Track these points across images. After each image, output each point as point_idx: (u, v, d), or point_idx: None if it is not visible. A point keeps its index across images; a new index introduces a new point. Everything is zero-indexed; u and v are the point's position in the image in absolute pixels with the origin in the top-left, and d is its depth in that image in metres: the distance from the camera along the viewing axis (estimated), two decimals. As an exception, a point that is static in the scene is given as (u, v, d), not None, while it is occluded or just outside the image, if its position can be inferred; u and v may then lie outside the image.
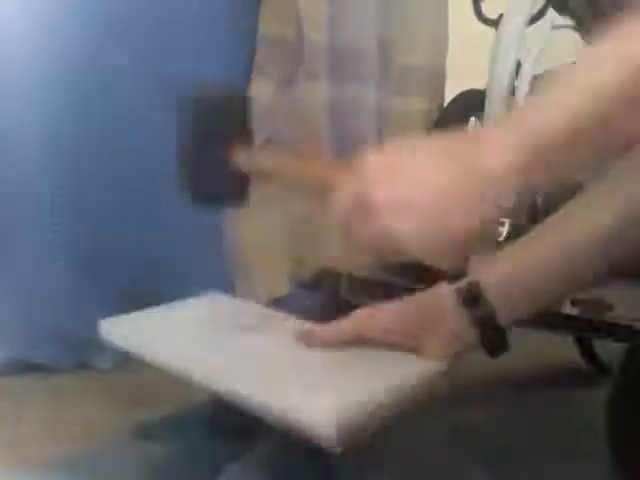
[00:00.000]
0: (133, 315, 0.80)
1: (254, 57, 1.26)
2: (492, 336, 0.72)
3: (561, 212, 0.76)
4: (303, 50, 1.34)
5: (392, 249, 0.56)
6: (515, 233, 1.49)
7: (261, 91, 1.28)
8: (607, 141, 0.55)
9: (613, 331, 1.02)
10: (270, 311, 0.87)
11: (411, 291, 0.81)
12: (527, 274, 0.73)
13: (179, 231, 1.19)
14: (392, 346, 0.72)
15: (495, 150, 0.54)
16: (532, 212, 1.57)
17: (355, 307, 0.84)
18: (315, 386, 0.66)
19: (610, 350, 1.16)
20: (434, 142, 0.58)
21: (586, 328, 1.11)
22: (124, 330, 0.78)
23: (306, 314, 0.80)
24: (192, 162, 0.70)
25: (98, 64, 1.11)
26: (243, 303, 0.89)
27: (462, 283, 0.73)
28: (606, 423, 0.73)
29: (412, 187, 0.55)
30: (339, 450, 0.60)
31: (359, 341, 0.73)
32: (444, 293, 0.74)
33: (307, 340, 0.74)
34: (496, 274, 0.74)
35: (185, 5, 1.20)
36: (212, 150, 0.68)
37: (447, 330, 0.72)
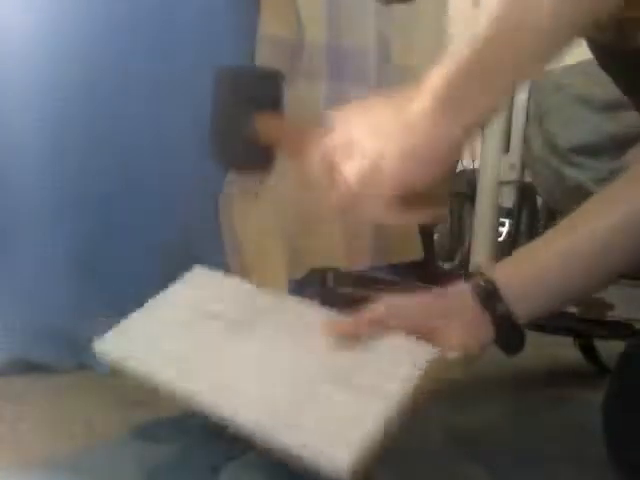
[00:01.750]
0: (122, 327, 0.79)
1: (254, 57, 1.26)
2: (509, 334, 0.72)
3: (574, 214, 0.76)
4: (303, 50, 1.34)
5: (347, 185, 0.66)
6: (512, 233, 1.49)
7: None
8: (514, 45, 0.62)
9: (613, 330, 1.02)
10: (255, 289, 0.84)
11: (402, 286, 0.82)
12: (543, 273, 0.74)
13: (179, 231, 1.19)
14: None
15: (417, 98, 0.65)
16: (532, 212, 1.57)
17: (344, 301, 0.85)
18: (323, 418, 0.65)
19: (610, 350, 1.16)
20: (389, 99, 0.70)
21: (587, 328, 1.11)
22: (115, 351, 0.77)
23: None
24: (224, 130, 0.77)
25: (99, 64, 1.11)
26: (228, 285, 0.85)
27: (479, 281, 0.74)
28: (603, 423, 0.73)
29: (360, 133, 0.67)
30: None
31: (378, 331, 0.73)
32: (462, 290, 0.74)
33: (326, 331, 0.73)
34: (512, 273, 0.74)
35: (186, 5, 1.20)
36: (243, 120, 0.75)
37: (467, 325, 0.72)
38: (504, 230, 1.49)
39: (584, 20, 0.62)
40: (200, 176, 1.21)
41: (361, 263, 1.47)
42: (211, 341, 0.76)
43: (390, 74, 1.67)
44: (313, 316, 0.77)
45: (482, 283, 0.74)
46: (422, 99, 0.65)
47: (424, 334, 0.72)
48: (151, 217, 1.18)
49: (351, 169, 0.66)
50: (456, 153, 0.66)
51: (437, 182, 0.67)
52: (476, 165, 1.68)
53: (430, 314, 0.73)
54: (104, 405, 0.97)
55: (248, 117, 0.74)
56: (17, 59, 1.07)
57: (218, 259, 1.17)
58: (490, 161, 1.40)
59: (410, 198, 0.66)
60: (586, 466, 0.83)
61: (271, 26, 1.28)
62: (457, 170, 1.79)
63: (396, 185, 0.65)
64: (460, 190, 1.75)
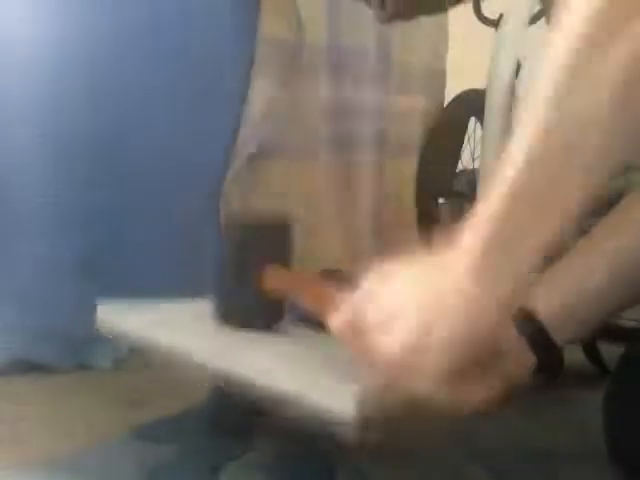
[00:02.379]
0: (128, 304, 0.78)
1: (254, 57, 1.26)
2: (550, 358, 0.72)
3: (592, 235, 0.76)
4: (303, 50, 1.34)
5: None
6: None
7: (261, 91, 1.28)
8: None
9: (616, 332, 1.02)
10: None
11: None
12: (577, 297, 0.73)
13: (180, 232, 1.19)
14: None
15: (454, 260, 0.56)
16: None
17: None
18: (333, 370, 0.65)
19: (612, 352, 1.16)
20: (412, 263, 0.61)
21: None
22: (123, 317, 0.76)
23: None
24: (230, 286, 0.74)
25: (102, 71, 1.11)
26: None
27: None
28: (603, 423, 0.73)
29: (396, 304, 0.59)
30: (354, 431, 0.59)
31: None
32: None
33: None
34: (545, 299, 0.73)
35: (186, 6, 1.20)
36: (250, 275, 0.72)
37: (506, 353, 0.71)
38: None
39: None
40: (200, 176, 1.21)
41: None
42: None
43: (390, 74, 1.67)
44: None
45: (517, 311, 0.72)
46: (462, 259, 0.56)
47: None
48: (153, 222, 1.18)
49: (392, 345, 0.58)
50: (509, 313, 0.61)
51: (493, 354, 0.62)
52: (476, 165, 1.68)
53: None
54: (104, 405, 0.97)
55: (255, 272, 0.72)
56: (22, 68, 1.07)
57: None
58: (490, 161, 1.40)
59: (462, 372, 0.59)
60: (586, 466, 0.83)
61: (271, 26, 1.28)
62: (458, 171, 1.80)
63: (445, 361, 0.58)
64: (460, 190, 1.75)
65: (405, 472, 0.80)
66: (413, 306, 0.58)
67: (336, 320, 0.62)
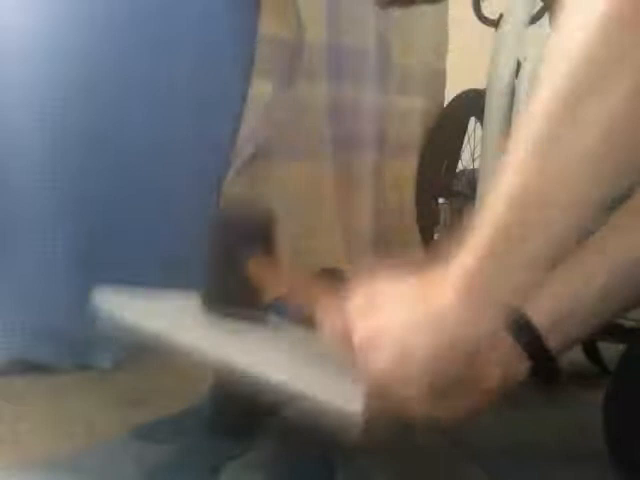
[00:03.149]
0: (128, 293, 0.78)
1: (254, 57, 1.26)
2: (544, 363, 0.72)
3: (591, 239, 0.76)
4: (303, 50, 1.34)
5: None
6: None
7: (261, 91, 1.28)
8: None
9: (616, 332, 1.02)
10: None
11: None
12: (577, 299, 0.73)
13: (180, 231, 1.19)
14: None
15: (438, 291, 0.58)
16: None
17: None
18: (339, 373, 0.65)
19: (612, 352, 1.16)
20: (404, 284, 0.62)
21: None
22: (123, 301, 0.76)
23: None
24: (217, 276, 0.75)
25: (99, 64, 1.11)
26: None
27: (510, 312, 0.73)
28: (603, 423, 0.73)
29: (383, 320, 0.60)
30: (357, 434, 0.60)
31: None
32: None
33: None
34: (541, 304, 0.73)
35: (186, 6, 1.20)
36: (235, 265, 0.73)
37: (501, 358, 0.71)
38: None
39: None
40: (200, 176, 1.21)
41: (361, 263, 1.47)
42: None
43: (390, 74, 1.67)
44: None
45: (512, 316, 0.73)
46: (450, 285, 0.57)
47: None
48: (151, 217, 1.18)
49: (378, 360, 0.60)
50: (492, 336, 0.62)
51: (472, 373, 0.63)
52: (476, 165, 1.68)
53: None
54: (104, 405, 0.97)
55: (241, 260, 0.74)
56: (17, 59, 1.07)
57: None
58: (490, 161, 1.40)
59: (445, 389, 0.61)
60: (586, 466, 0.83)
61: (271, 26, 1.28)
62: (458, 171, 1.80)
63: (427, 379, 0.60)
64: (460, 190, 1.75)
65: (405, 472, 0.80)
66: (399, 323, 0.59)
67: (328, 328, 0.64)
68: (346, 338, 0.62)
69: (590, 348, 1.25)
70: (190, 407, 0.92)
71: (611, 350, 1.18)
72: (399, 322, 0.60)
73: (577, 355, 1.27)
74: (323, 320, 0.64)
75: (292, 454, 0.80)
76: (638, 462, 0.71)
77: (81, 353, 1.13)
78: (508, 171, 0.54)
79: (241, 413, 0.85)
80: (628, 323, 1.03)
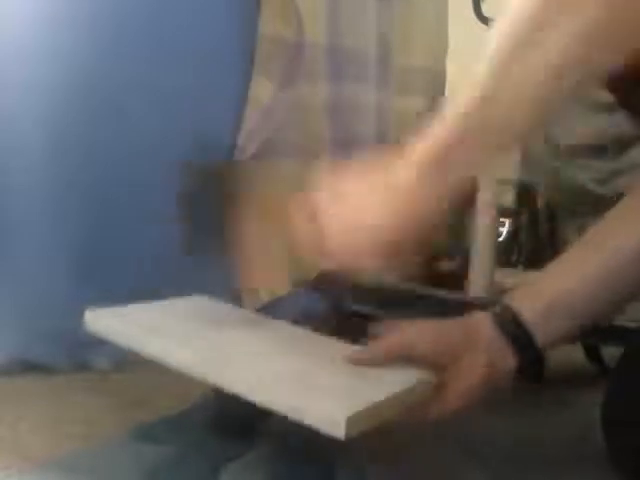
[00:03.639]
0: (118, 308, 0.79)
1: (254, 57, 1.26)
2: (531, 362, 0.72)
3: (590, 234, 0.76)
4: (303, 50, 1.34)
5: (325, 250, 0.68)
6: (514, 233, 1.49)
7: (261, 91, 1.28)
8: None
9: (616, 332, 1.02)
10: (256, 316, 0.89)
11: (419, 298, 0.82)
12: (566, 297, 0.74)
13: (180, 232, 1.19)
14: (432, 365, 0.71)
15: (402, 168, 0.65)
16: (532, 212, 1.57)
17: (356, 313, 0.85)
18: (322, 385, 0.67)
19: (612, 352, 1.16)
20: (371, 165, 0.69)
21: (591, 331, 1.11)
22: (112, 322, 0.77)
23: (304, 315, 0.81)
24: (190, 220, 0.84)
25: (99, 64, 1.11)
26: (227, 307, 0.90)
27: (497, 309, 0.73)
28: (603, 423, 0.73)
29: (346, 188, 0.68)
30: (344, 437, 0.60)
31: (405, 358, 0.72)
32: (481, 318, 0.74)
33: (356, 361, 0.73)
34: (533, 300, 0.74)
35: (186, 5, 1.20)
36: (206, 209, 0.81)
37: (490, 355, 0.72)
38: (504, 230, 1.49)
39: (592, 73, 0.61)
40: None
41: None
42: (210, 327, 0.79)
43: (390, 74, 1.67)
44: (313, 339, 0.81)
45: (501, 312, 0.73)
46: (409, 164, 0.64)
47: (444, 366, 0.71)
48: (151, 217, 1.18)
49: (334, 219, 0.67)
50: (439, 209, 0.66)
51: (420, 235, 0.67)
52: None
53: (454, 345, 0.72)
54: (104, 405, 0.97)
55: (209, 206, 0.81)
56: (17, 58, 1.07)
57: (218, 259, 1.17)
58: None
59: (390, 247, 0.67)
60: (586, 466, 0.83)
61: (271, 26, 1.28)
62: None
63: (376, 238, 0.66)
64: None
65: (404, 472, 0.80)
66: (356, 190, 0.67)
67: (298, 212, 0.70)
68: (311, 216, 0.68)
69: (590, 348, 1.26)
70: (190, 407, 0.92)
71: (611, 350, 1.18)
72: (357, 187, 0.67)
73: (577, 355, 1.27)
74: (294, 212, 0.70)
75: (292, 454, 0.80)
76: (638, 462, 0.71)
77: (81, 353, 1.13)
78: (475, 75, 0.63)
79: (241, 413, 0.85)
80: (628, 323, 1.03)
